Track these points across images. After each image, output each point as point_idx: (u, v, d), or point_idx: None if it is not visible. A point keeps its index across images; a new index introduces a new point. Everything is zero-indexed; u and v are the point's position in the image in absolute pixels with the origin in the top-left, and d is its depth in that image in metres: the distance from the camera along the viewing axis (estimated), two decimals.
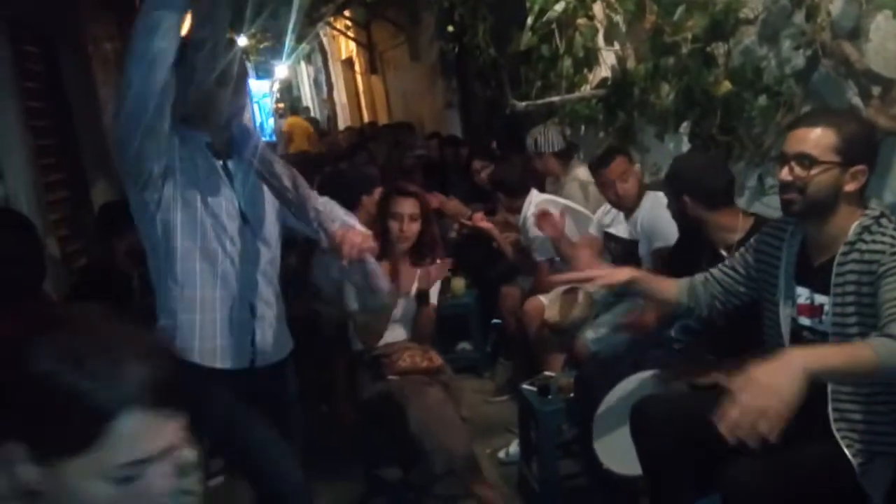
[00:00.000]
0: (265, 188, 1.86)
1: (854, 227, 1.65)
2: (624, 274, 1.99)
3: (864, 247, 1.63)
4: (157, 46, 1.51)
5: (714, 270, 2.01)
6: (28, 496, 0.74)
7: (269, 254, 1.90)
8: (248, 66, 2.14)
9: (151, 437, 0.75)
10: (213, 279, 1.79)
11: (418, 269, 2.72)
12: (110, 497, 0.75)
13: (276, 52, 10.62)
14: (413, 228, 2.66)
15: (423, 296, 2.69)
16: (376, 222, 2.72)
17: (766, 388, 1.29)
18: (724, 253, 2.24)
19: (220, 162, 1.81)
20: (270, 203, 1.90)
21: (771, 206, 2.51)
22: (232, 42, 1.83)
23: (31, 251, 2.30)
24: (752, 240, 1.96)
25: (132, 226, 2.74)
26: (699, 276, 2.02)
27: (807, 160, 1.64)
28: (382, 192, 2.95)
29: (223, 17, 1.71)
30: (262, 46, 10.44)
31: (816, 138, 1.64)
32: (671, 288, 2.03)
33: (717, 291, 1.98)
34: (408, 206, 2.66)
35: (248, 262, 1.84)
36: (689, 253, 2.29)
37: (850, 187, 1.65)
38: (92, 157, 4.05)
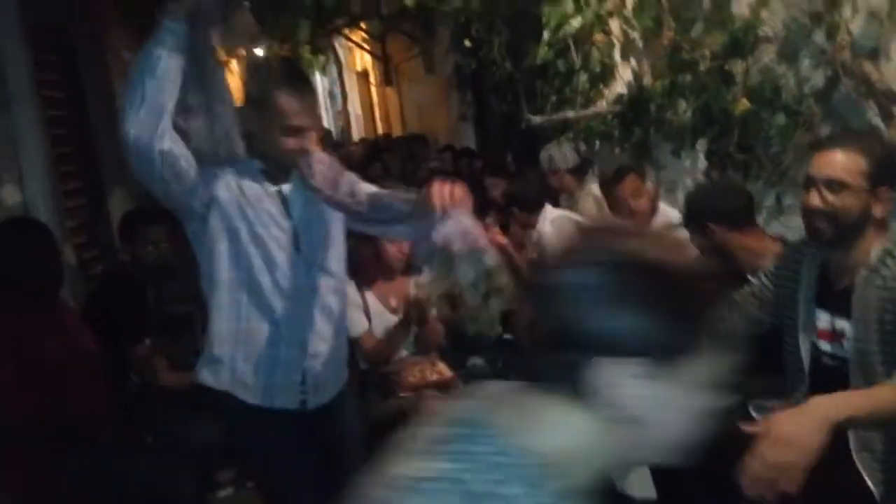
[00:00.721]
0: (327, 209, 1.72)
1: (876, 251, 1.63)
2: None
3: (886, 272, 1.59)
4: (150, 86, 1.46)
5: (736, 297, 1.97)
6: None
7: (332, 283, 1.76)
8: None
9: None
10: (258, 313, 1.69)
11: (412, 280, 2.70)
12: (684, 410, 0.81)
13: None
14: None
15: (420, 307, 2.59)
16: None
17: (788, 441, 1.24)
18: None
19: (276, 188, 1.70)
20: (336, 222, 1.77)
21: (789, 226, 2.49)
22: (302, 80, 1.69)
23: (49, 258, 2.32)
24: (771, 265, 1.92)
25: (145, 235, 2.78)
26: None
27: (836, 185, 1.60)
28: None
29: (219, 81, 1.61)
30: None
31: (846, 162, 1.60)
32: None
33: (738, 318, 1.95)
34: None
35: (302, 295, 1.72)
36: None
37: (878, 212, 1.62)
38: (110, 166, 4.08)
